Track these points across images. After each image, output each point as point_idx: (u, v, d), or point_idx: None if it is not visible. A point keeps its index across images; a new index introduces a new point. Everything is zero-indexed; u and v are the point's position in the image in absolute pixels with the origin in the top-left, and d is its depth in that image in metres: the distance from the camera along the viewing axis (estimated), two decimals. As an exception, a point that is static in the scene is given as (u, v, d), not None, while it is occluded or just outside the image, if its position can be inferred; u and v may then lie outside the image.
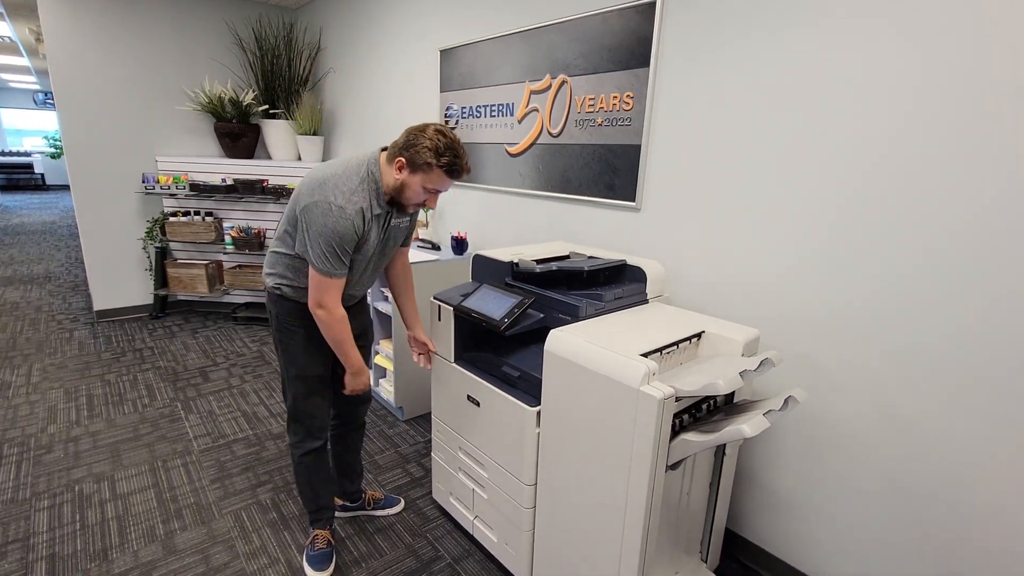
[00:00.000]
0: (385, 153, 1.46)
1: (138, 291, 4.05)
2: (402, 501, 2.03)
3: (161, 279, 3.97)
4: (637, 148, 1.89)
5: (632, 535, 1.27)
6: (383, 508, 1.99)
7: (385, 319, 2.73)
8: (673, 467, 1.29)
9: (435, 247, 2.87)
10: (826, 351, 1.53)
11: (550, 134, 2.23)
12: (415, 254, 2.69)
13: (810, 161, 1.48)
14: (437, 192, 1.47)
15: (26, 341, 3.51)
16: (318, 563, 1.69)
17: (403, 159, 1.40)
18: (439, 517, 1.99)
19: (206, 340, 3.66)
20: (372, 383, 2.84)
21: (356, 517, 1.96)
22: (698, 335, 1.48)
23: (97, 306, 3.94)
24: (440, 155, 1.38)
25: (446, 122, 2.85)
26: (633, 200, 1.95)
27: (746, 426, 1.10)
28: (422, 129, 1.40)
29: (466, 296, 1.69)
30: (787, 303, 1.59)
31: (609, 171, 2.02)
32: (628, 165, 1.94)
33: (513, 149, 2.44)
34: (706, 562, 1.61)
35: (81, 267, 5.10)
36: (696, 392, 1.17)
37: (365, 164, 1.44)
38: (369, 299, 2.79)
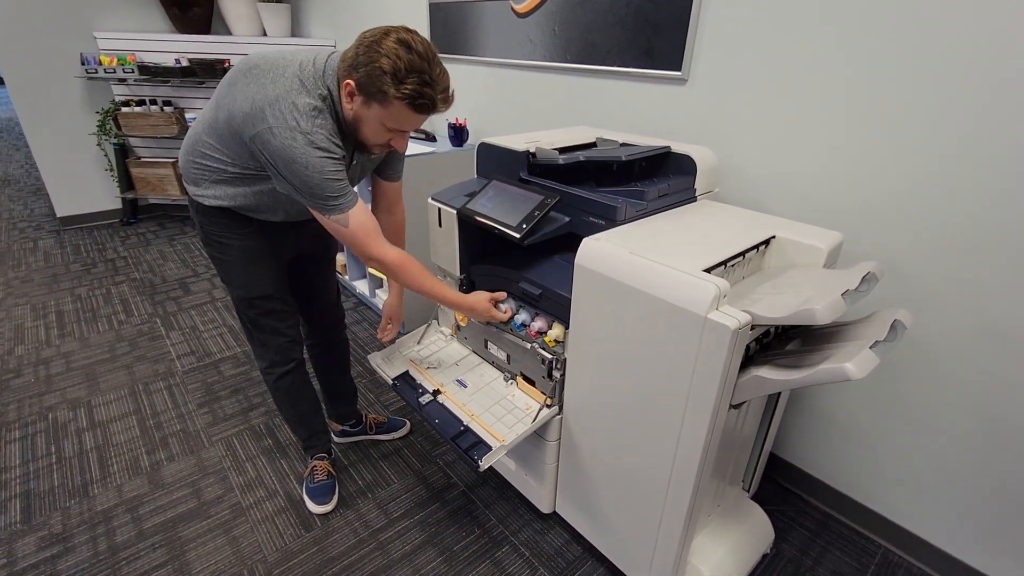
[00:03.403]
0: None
1: (103, 194, 3.66)
2: (408, 423, 1.86)
3: (126, 181, 3.56)
4: (689, -5, 1.45)
5: (683, 482, 1.07)
6: (387, 432, 1.82)
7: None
8: (737, 406, 1.06)
9: (430, 138, 2.46)
10: (921, 259, 1.23)
11: (570, -18, 1.75)
12: (406, 145, 2.29)
13: (931, 27, 1.08)
14: (402, 132, 1.09)
15: (-14, 253, 3.21)
16: (319, 496, 1.54)
17: (352, 82, 1.00)
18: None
19: (184, 248, 3.36)
20: (369, 294, 2.60)
21: (358, 443, 1.80)
22: (766, 241, 1.18)
23: (60, 212, 3.58)
24: (400, 81, 0.96)
25: (435, -25, 2.30)
26: (678, 69, 1.54)
27: (851, 365, 0.83)
28: (378, 39, 0.96)
29: (472, 196, 1.36)
30: (871, 197, 1.27)
31: (647, 30, 1.58)
32: (673, 20, 1.51)
33: (521, 6, 1.95)
34: (748, 491, 1.46)
35: (41, 168, 4.65)
36: (783, 320, 0.90)
37: (323, 79, 1.04)
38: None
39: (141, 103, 3.35)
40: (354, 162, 1.19)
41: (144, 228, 3.66)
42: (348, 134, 1.10)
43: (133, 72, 3.23)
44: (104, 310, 2.60)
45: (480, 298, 1.33)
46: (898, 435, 1.38)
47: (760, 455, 1.40)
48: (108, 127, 3.37)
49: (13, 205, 4.04)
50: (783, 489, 1.65)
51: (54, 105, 3.29)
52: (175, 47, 3.36)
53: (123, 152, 3.48)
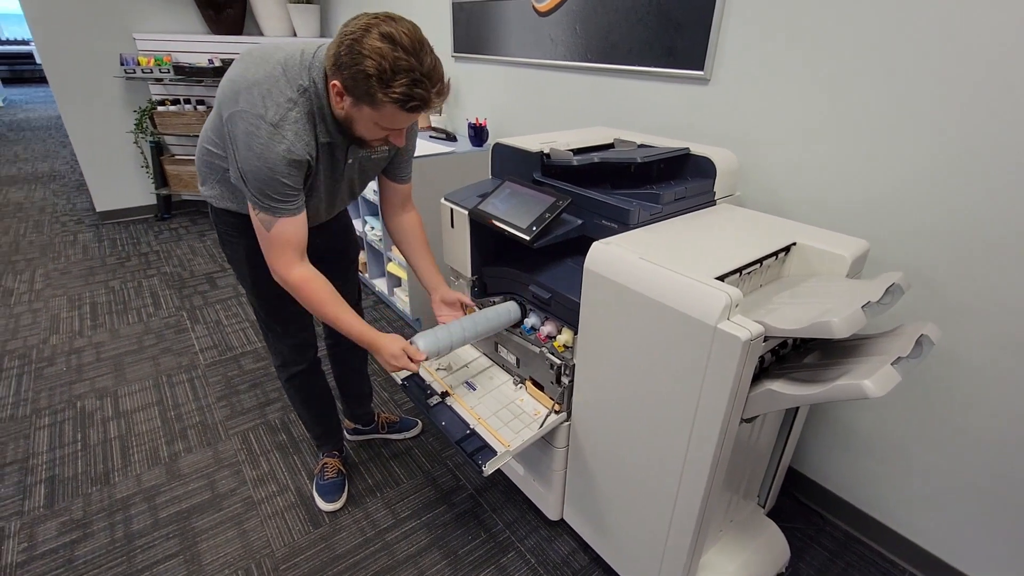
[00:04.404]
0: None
1: (140, 190, 3.80)
2: (420, 423, 1.86)
3: (161, 177, 3.68)
4: (712, -8, 1.40)
5: (690, 495, 1.03)
6: (399, 431, 1.82)
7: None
8: (749, 420, 1.01)
9: (450, 137, 2.46)
10: (953, 268, 1.16)
11: (591, -19, 1.72)
12: (426, 146, 2.30)
13: (968, 22, 1.02)
14: (399, 130, 1.03)
15: (29, 245, 3.35)
16: (328, 493, 1.55)
17: (338, 83, 0.94)
18: (460, 441, 1.82)
19: (213, 243, 3.45)
20: (388, 292, 2.62)
21: (370, 441, 1.81)
22: (786, 248, 1.13)
23: (99, 207, 3.72)
24: (387, 82, 0.88)
25: (459, -25, 2.29)
26: (700, 68, 1.49)
27: (869, 382, 0.79)
28: (359, 36, 0.88)
29: (484, 197, 1.35)
30: (899, 203, 1.21)
31: (669, 28, 1.54)
32: (696, 17, 1.46)
33: (543, 5, 1.93)
34: (763, 507, 1.40)
35: (84, 165, 4.85)
36: (798, 333, 0.85)
37: (308, 71, 0.99)
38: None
39: (176, 102, 3.46)
40: (350, 160, 1.15)
41: (176, 224, 3.78)
42: (343, 129, 1.05)
43: (169, 72, 3.33)
44: (135, 302, 2.69)
45: (393, 342, 1.16)
46: (927, 453, 1.31)
47: (777, 469, 1.35)
48: (145, 125, 3.49)
49: (57, 199, 4.22)
50: (802, 505, 1.59)
51: (95, 104, 3.42)
52: (209, 48, 3.46)
53: (158, 149, 3.60)
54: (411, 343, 1.17)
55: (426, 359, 1.18)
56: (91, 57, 3.30)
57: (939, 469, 1.29)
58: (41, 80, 12.11)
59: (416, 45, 0.89)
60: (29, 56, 11.90)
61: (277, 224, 1.04)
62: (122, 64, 3.30)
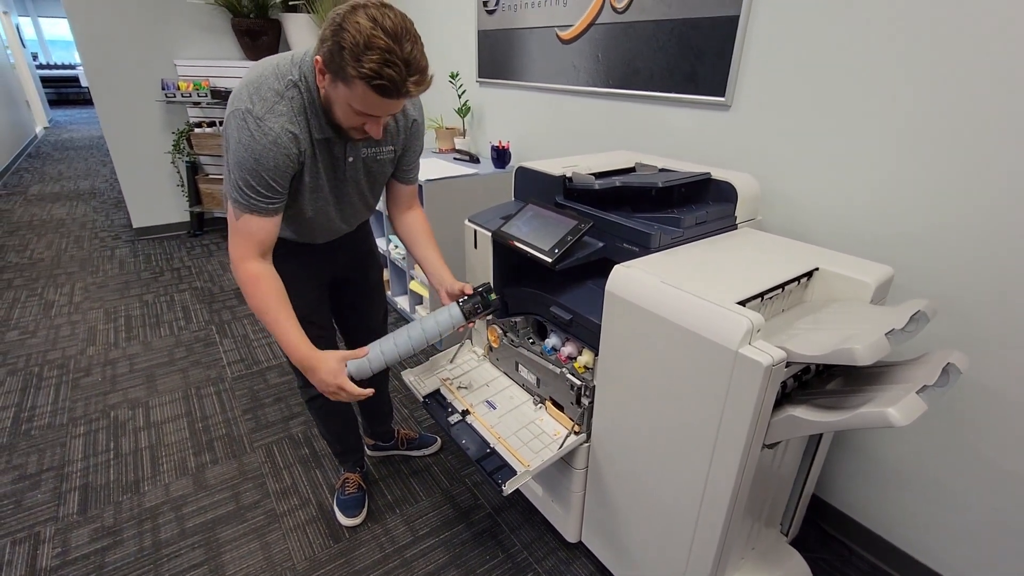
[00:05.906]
0: None
1: (175, 208, 3.94)
2: (438, 440, 1.88)
3: (195, 195, 3.82)
4: (733, 21, 1.43)
5: (711, 521, 1.02)
6: (418, 448, 1.84)
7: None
8: (771, 446, 1.01)
9: (473, 159, 2.52)
10: (981, 293, 1.15)
11: (614, 9, 1.77)
12: (450, 167, 2.36)
13: (995, 52, 1.02)
14: (374, 116, 0.99)
15: (70, 259, 3.50)
16: (349, 509, 1.57)
17: (320, 59, 0.92)
18: (479, 460, 1.83)
19: (242, 259, 3.55)
20: (410, 310, 2.65)
21: (390, 457, 1.83)
22: (808, 274, 1.13)
23: (136, 223, 3.87)
24: (358, 56, 0.86)
25: (484, 4, 2.37)
26: (722, 95, 1.52)
27: (894, 410, 0.78)
28: (346, 13, 0.87)
29: (508, 219, 1.38)
30: (925, 229, 1.20)
31: (690, 56, 1.57)
32: (718, 47, 1.49)
33: (566, 33, 1.99)
34: (786, 535, 1.38)
35: (122, 183, 5.06)
36: (820, 359, 0.86)
37: (298, 67, 0.99)
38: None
39: (211, 124, 3.61)
40: (350, 158, 1.14)
41: (208, 240, 3.90)
42: (334, 122, 1.04)
43: (206, 96, 3.49)
44: (167, 316, 2.78)
45: (328, 360, 1.09)
46: (960, 486, 1.27)
47: (800, 497, 1.32)
48: (182, 146, 3.64)
49: (96, 216, 4.40)
50: (827, 535, 1.55)
51: (136, 126, 3.58)
52: (244, 72, 3.61)
53: (193, 169, 3.74)
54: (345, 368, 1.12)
55: (366, 392, 1.13)
56: (135, 82, 3.47)
57: (973, 504, 1.26)
58: (84, 102, 12.72)
59: (400, 31, 0.87)
60: (74, 79, 12.52)
61: (245, 216, 1.03)
62: (163, 88, 3.47)
